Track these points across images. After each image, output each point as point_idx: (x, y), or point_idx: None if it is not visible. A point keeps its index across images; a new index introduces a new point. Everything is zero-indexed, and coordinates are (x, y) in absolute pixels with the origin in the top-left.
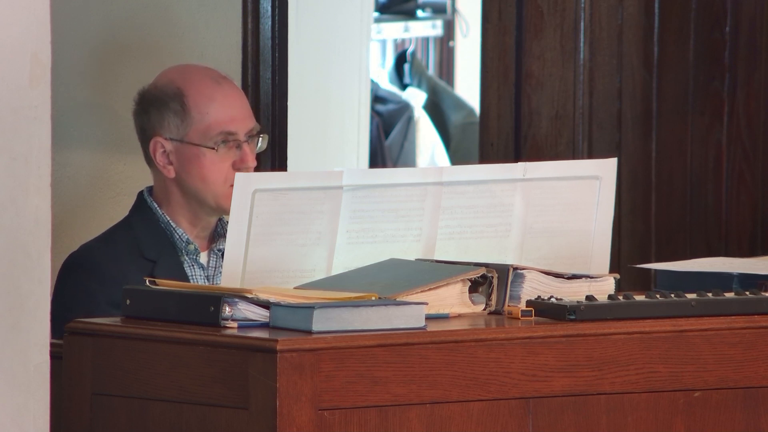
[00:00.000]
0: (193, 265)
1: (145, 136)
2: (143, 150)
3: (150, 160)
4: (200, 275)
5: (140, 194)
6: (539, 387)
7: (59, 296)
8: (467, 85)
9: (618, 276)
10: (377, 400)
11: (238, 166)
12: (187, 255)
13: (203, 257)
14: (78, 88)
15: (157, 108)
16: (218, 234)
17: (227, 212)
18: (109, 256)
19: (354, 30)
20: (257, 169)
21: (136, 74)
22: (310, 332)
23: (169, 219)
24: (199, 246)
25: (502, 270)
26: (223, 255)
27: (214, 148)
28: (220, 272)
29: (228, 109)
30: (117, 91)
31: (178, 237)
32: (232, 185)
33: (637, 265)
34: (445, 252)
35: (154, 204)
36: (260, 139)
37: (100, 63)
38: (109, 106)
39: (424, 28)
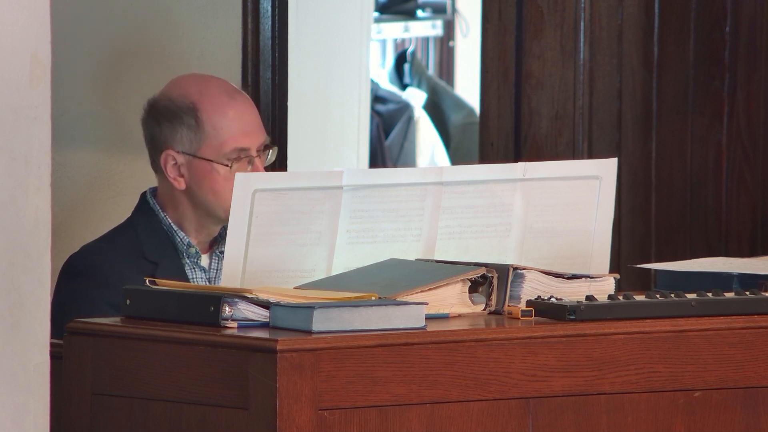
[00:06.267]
0: (194, 268)
1: (156, 146)
2: (151, 158)
3: (158, 168)
4: (201, 277)
5: (143, 195)
6: (539, 387)
7: (59, 300)
8: (467, 85)
9: (618, 276)
10: (377, 400)
11: None
12: (188, 258)
13: (204, 260)
14: (78, 88)
15: (169, 120)
16: (220, 237)
17: None
18: (110, 258)
19: (354, 30)
20: None
21: (136, 74)
22: (310, 332)
23: (171, 222)
24: (200, 249)
25: (502, 270)
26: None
27: (227, 165)
28: (221, 274)
29: (241, 125)
30: (117, 91)
31: (179, 240)
32: None
33: (637, 265)
34: (445, 252)
35: (157, 206)
36: (270, 151)
37: (100, 63)
38: (109, 106)
39: (424, 28)
